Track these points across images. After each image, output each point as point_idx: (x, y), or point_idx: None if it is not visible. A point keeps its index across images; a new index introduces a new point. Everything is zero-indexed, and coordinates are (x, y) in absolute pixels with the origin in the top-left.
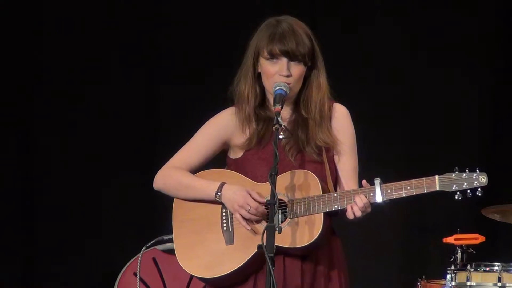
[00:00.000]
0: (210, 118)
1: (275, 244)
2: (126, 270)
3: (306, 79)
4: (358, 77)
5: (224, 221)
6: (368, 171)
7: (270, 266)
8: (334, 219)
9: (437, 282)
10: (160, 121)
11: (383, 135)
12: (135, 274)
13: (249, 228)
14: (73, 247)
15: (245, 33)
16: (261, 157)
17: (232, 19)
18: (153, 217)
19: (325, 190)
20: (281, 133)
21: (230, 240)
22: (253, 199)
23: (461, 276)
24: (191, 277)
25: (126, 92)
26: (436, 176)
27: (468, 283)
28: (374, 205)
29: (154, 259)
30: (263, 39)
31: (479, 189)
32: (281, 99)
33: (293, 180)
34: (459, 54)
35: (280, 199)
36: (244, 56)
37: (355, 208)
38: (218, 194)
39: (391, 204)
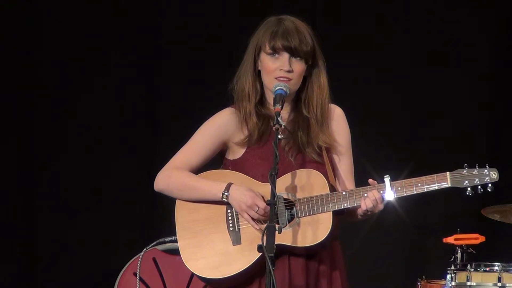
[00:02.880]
0: (209, 117)
1: (283, 243)
2: (126, 270)
3: (306, 79)
4: (358, 76)
5: (230, 221)
6: (367, 171)
7: (270, 266)
8: (339, 218)
9: (437, 282)
10: (160, 121)
11: (382, 135)
12: (135, 274)
13: (258, 228)
14: (73, 247)
15: (245, 33)
16: (261, 156)
17: (232, 19)
18: (154, 218)
19: (331, 189)
20: (280, 132)
21: (237, 240)
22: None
23: (461, 276)
24: (191, 277)
25: (126, 92)
26: (447, 173)
27: (468, 283)
28: (384, 204)
29: (154, 259)
30: (265, 35)
31: (489, 184)
32: (281, 99)
33: (299, 180)
34: (459, 54)
35: (286, 199)
36: (245, 54)
37: (367, 201)
38: (225, 194)
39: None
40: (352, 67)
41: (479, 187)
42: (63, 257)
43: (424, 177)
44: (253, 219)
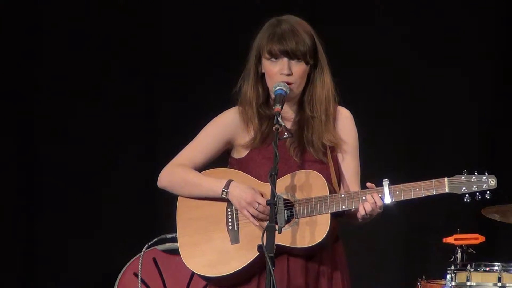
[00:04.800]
0: (211, 117)
1: (281, 244)
2: (126, 270)
3: (309, 78)
4: (358, 77)
5: (230, 219)
6: (368, 173)
7: (270, 266)
8: (339, 220)
9: (437, 282)
10: (162, 120)
11: (382, 136)
12: (135, 274)
13: (257, 225)
14: (73, 247)
15: (245, 33)
16: (266, 156)
17: (232, 20)
18: (155, 216)
19: (331, 190)
20: (285, 133)
21: (235, 239)
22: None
23: (461, 276)
24: (191, 277)
25: (127, 91)
26: (446, 178)
27: (468, 283)
28: (382, 208)
29: (154, 259)
30: (263, 39)
31: (488, 191)
32: (281, 99)
33: (300, 180)
34: (459, 54)
35: (286, 199)
36: (248, 56)
37: (366, 205)
38: (225, 191)
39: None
40: (352, 67)
41: (477, 193)
42: (63, 257)
43: (422, 182)
44: (252, 216)
